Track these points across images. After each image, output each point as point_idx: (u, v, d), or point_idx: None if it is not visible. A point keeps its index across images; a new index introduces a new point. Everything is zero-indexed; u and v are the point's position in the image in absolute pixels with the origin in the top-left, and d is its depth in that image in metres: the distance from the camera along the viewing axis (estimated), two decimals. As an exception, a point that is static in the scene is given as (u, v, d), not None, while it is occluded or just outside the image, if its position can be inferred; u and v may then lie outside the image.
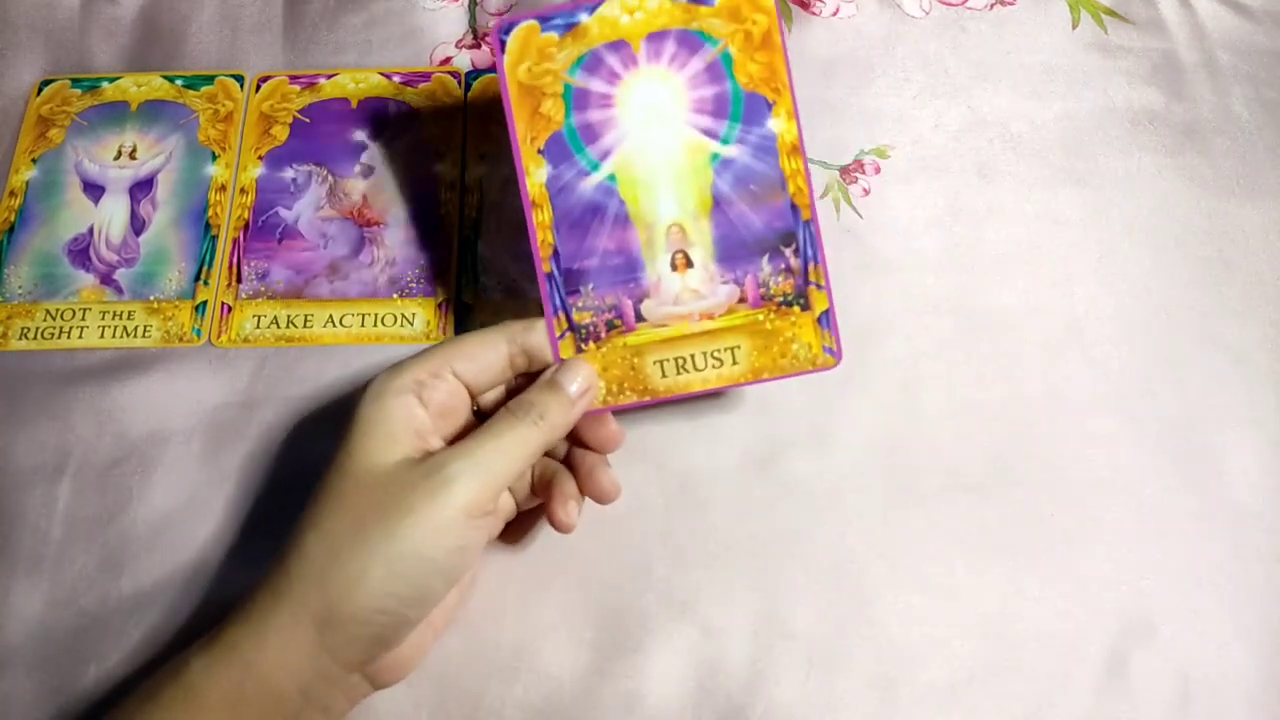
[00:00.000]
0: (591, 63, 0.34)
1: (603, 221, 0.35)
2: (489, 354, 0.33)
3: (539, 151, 0.34)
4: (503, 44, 0.34)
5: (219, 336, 0.42)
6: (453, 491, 0.29)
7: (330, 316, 0.42)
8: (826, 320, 0.35)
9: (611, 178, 0.35)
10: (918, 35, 0.49)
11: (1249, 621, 0.37)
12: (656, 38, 0.34)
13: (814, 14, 0.50)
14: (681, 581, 0.37)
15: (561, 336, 0.34)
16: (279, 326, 0.42)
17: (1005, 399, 0.41)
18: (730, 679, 0.36)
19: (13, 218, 0.44)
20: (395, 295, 0.43)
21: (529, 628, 0.37)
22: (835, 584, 0.37)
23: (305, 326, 0.42)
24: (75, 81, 0.47)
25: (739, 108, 0.35)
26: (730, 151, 0.35)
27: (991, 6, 0.50)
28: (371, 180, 0.45)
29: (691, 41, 0.35)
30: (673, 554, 0.38)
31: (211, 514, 0.39)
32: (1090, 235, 0.44)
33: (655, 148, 0.35)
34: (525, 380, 0.35)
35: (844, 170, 0.46)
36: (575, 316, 0.35)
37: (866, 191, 0.45)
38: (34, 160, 0.45)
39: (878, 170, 0.46)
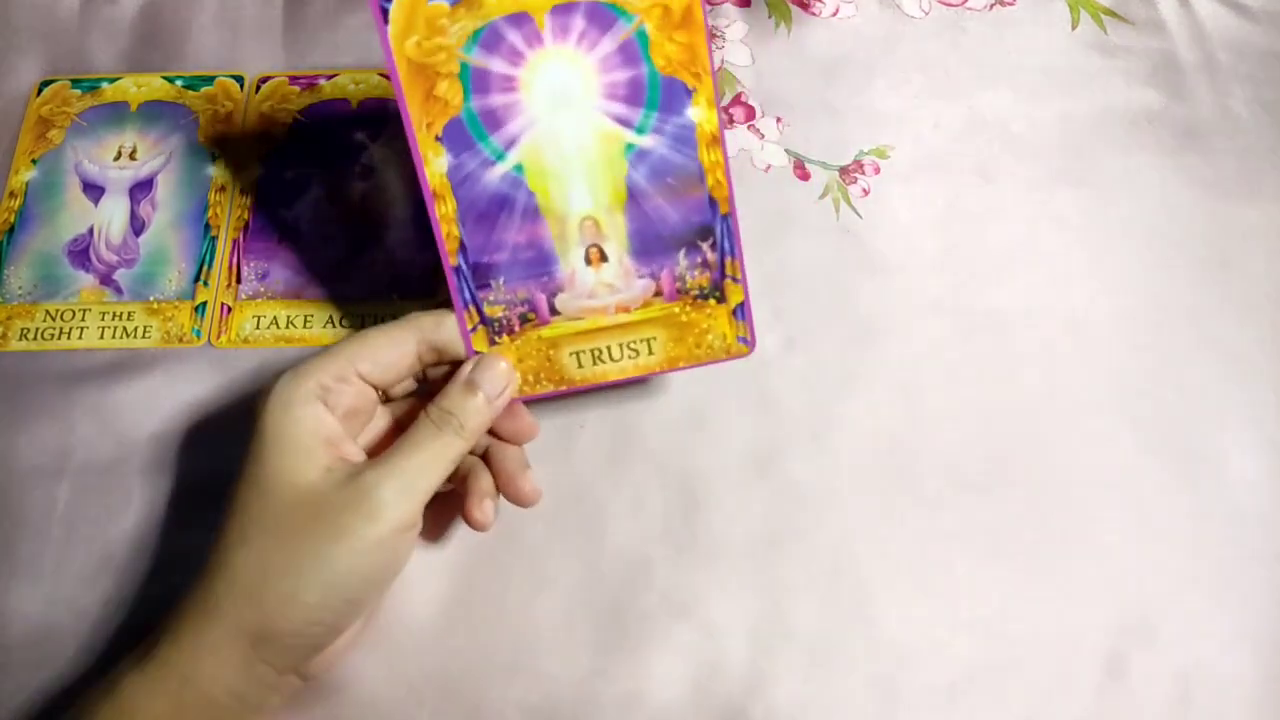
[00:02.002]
0: (490, 38, 0.31)
1: (511, 214, 0.33)
2: (395, 353, 0.33)
3: (437, 139, 0.32)
4: (384, 13, 0.30)
5: (219, 337, 0.42)
6: (385, 513, 0.29)
7: (330, 317, 0.42)
8: (741, 312, 0.34)
9: (519, 168, 0.32)
10: (918, 36, 0.49)
11: (1249, 621, 0.37)
12: (563, 11, 0.31)
13: (814, 14, 0.50)
14: (681, 581, 0.37)
15: (473, 330, 0.33)
16: (279, 327, 0.42)
17: (1005, 399, 0.41)
18: (730, 679, 0.36)
19: (13, 218, 0.44)
20: (395, 295, 0.43)
21: (529, 628, 0.37)
22: (835, 584, 0.37)
23: (305, 327, 0.42)
24: (75, 82, 0.47)
25: (656, 94, 0.32)
26: (646, 142, 0.32)
27: (991, 6, 0.50)
28: (371, 180, 0.45)
29: (603, 16, 0.31)
30: (673, 554, 0.38)
31: (211, 515, 0.39)
32: (1090, 235, 0.44)
33: (565, 137, 0.32)
34: (439, 376, 0.34)
35: (844, 170, 0.46)
36: (486, 310, 0.33)
37: (866, 192, 0.45)
38: (34, 161, 0.45)
39: (877, 171, 0.46)
